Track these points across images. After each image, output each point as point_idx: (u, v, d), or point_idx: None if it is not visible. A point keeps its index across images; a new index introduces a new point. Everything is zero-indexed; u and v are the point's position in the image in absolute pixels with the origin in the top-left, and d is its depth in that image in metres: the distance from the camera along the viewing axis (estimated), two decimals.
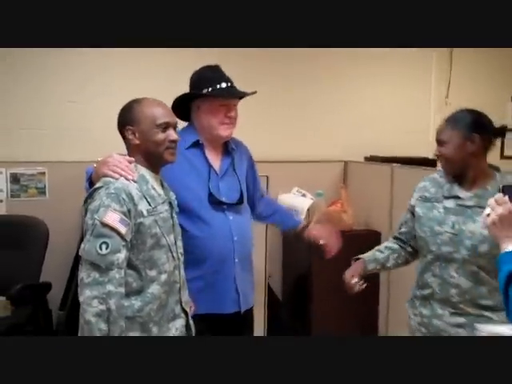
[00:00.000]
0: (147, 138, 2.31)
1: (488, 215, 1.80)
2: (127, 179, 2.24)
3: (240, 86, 4.45)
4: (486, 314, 2.34)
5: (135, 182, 2.26)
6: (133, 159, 2.31)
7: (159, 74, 4.36)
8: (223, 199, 2.71)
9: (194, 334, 2.45)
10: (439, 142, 2.42)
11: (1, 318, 3.55)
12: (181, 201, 2.53)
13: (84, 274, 2.16)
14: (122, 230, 2.17)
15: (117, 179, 2.22)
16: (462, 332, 2.36)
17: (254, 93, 2.82)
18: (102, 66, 4.29)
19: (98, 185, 2.26)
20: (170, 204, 2.40)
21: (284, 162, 4.56)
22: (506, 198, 1.78)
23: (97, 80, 4.27)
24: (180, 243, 2.46)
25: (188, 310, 2.46)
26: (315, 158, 4.81)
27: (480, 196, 2.34)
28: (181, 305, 2.41)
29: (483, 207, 2.09)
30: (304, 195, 4.62)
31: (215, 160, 2.78)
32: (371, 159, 4.71)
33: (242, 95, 2.79)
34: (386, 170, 4.18)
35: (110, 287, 2.14)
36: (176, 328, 2.37)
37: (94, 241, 2.16)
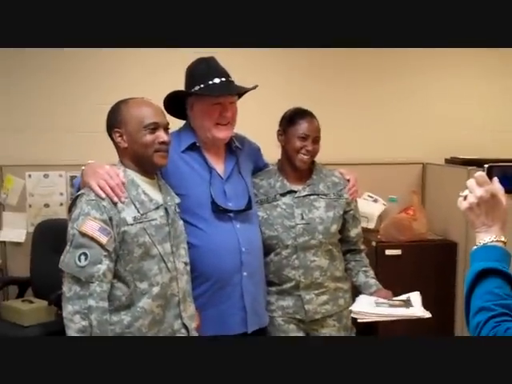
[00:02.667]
0: (135, 141, 2.16)
1: (465, 198, 1.45)
2: (113, 201, 2.08)
3: (307, 86, 4.31)
4: (339, 285, 2.67)
5: (122, 203, 2.10)
6: (124, 180, 2.14)
7: None
8: (230, 205, 2.45)
9: None
10: None
11: (44, 323, 3.54)
12: (182, 209, 2.34)
13: (65, 288, 2.06)
14: (102, 239, 2.04)
15: (102, 199, 2.07)
16: (328, 308, 2.62)
17: (253, 88, 2.50)
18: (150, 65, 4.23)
19: (81, 191, 2.14)
20: (166, 210, 2.22)
21: (355, 164, 4.23)
22: (486, 177, 1.43)
23: (142, 80, 4.19)
24: (183, 252, 2.28)
25: (191, 325, 2.27)
26: (390, 160, 4.46)
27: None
28: (181, 320, 2.23)
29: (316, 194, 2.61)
30: (376, 200, 4.31)
31: (218, 162, 2.50)
32: (451, 161, 4.27)
33: (236, 91, 2.47)
34: (462, 174, 3.75)
35: (90, 302, 2.02)
36: None
37: (73, 252, 2.05)
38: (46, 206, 4.27)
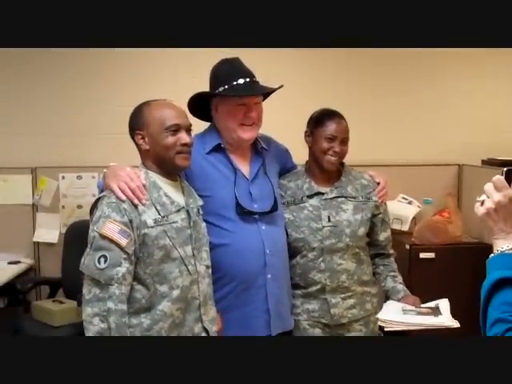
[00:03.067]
0: (157, 143, 2.15)
1: (482, 203, 1.38)
2: (133, 203, 2.07)
3: (337, 87, 4.25)
4: (366, 289, 2.61)
5: (143, 205, 2.09)
6: (144, 182, 2.13)
7: None
8: (255, 207, 2.41)
9: None
10: None
11: (74, 323, 3.55)
12: (205, 210, 2.32)
13: (85, 290, 2.05)
14: (122, 241, 2.02)
15: (122, 201, 2.06)
16: (355, 312, 2.57)
17: (278, 88, 2.46)
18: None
19: (102, 194, 2.13)
20: (188, 212, 2.19)
21: (389, 165, 4.17)
22: (504, 181, 1.35)
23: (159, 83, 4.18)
24: (205, 255, 2.25)
25: (212, 328, 2.24)
26: (425, 162, 4.36)
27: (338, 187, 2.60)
28: (202, 323, 2.20)
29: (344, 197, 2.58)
30: (410, 202, 4.22)
31: (243, 163, 2.47)
32: (488, 163, 4.15)
33: (261, 91, 2.42)
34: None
35: (109, 304, 2.01)
36: None
37: (93, 254, 2.04)
38: (79, 207, 4.30)
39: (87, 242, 2.08)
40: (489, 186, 1.37)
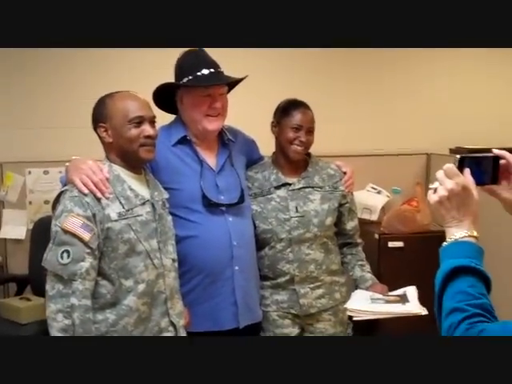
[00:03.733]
0: (120, 135, 2.12)
1: (435, 191, 1.36)
2: (96, 197, 2.04)
3: (308, 78, 4.24)
4: (335, 278, 2.63)
5: (106, 198, 2.06)
6: (107, 175, 2.10)
7: None
8: (222, 198, 2.40)
9: None
10: None
11: (42, 320, 3.49)
12: (172, 203, 2.29)
13: (48, 287, 2.04)
14: (85, 236, 2.00)
15: (85, 195, 2.02)
16: (324, 302, 2.58)
17: (242, 79, 2.44)
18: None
19: (64, 188, 2.09)
20: (153, 205, 2.17)
21: (358, 155, 4.17)
22: (456, 169, 1.34)
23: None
24: (171, 248, 2.24)
25: (179, 322, 2.22)
26: (394, 151, 4.37)
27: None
28: (169, 317, 2.18)
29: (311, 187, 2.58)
30: (379, 192, 4.23)
31: (210, 155, 2.46)
32: (456, 151, 4.16)
33: (225, 81, 2.41)
34: None
35: (73, 300, 1.98)
36: None
37: (56, 249, 2.03)
38: (46, 202, 4.21)
39: (50, 237, 2.06)
40: (441, 174, 1.35)
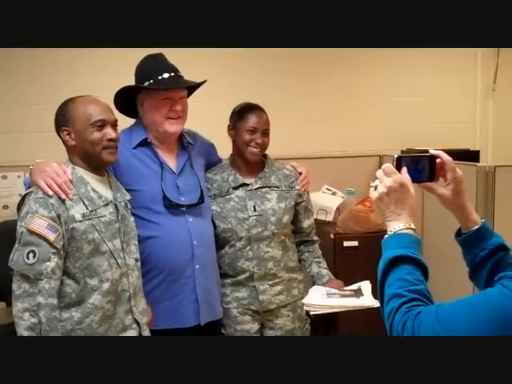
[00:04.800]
0: (83, 138, 2.17)
1: (375, 188, 1.47)
2: (61, 198, 2.09)
3: (262, 83, 4.33)
4: (293, 275, 2.72)
5: (70, 200, 2.12)
6: (71, 177, 2.15)
7: None
8: (182, 199, 2.48)
9: None
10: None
11: (2, 324, 3.50)
12: (134, 204, 2.36)
13: (15, 286, 2.07)
14: (51, 236, 2.05)
15: (50, 196, 2.08)
16: (283, 298, 2.67)
17: (202, 83, 2.53)
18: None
19: (29, 190, 2.14)
20: (116, 206, 2.23)
21: (313, 158, 4.26)
22: (393, 167, 1.46)
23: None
24: (134, 248, 2.30)
25: (142, 320, 2.29)
26: (348, 154, 4.48)
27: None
28: (132, 315, 2.25)
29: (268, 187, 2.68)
30: (334, 193, 4.33)
31: (170, 158, 2.53)
32: (407, 153, 4.33)
33: (185, 85, 2.49)
34: None
35: (39, 299, 2.03)
36: None
37: (22, 250, 2.06)
38: (5, 207, 4.21)
39: (15, 238, 2.10)
40: (380, 173, 1.46)
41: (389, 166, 1.46)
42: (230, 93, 4.00)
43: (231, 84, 4.28)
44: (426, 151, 1.57)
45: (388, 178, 1.44)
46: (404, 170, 1.47)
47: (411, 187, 1.45)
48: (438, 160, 1.55)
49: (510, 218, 2.87)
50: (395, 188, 1.43)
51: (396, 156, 1.50)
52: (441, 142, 4.23)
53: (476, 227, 1.55)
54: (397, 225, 1.43)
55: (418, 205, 1.48)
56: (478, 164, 3.32)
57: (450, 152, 1.57)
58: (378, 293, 1.40)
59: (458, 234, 1.59)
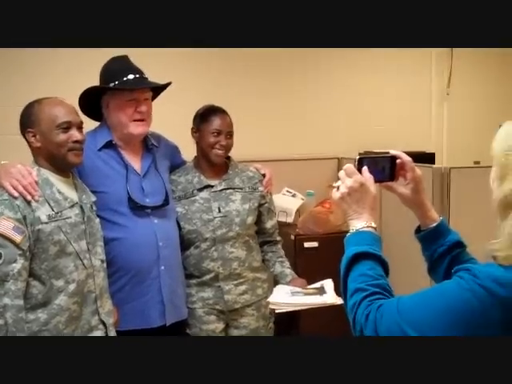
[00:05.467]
0: (48, 140, 2.18)
1: (337, 188, 1.53)
2: (26, 199, 2.10)
3: (224, 86, 4.37)
4: (257, 275, 2.77)
5: (36, 201, 2.12)
6: (36, 179, 2.16)
7: None
8: (147, 201, 2.50)
9: None
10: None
11: None
12: (99, 206, 2.37)
13: None
14: (17, 238, 2.05)
15: (15, 198, 2.08)
16: (247, 297, 2.73)
17: (167, 85, 2.58)
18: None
19: None
20: (82, 208, 2.24)
21: (273, 160, 4.31)
22: (354, 168, 1.51)
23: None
24: (100, 249, 2.31)
25: (109, 321, 2.30)
26: (307, 156, 4.55)
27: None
28: (99, 316, 2.26)
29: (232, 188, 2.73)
30: (294, 195, 4.40)
31: (134, 160, 2.56)
32: (367, 155, 4.42)
33: (150, 86, 2.53)
34: None
35: (5, 300, 2.03)
36: None
37: None
38: None
39: None
40: (342, 173, 1.52)
41: (350, 166, 1.52)
42: (191, 97, 4.02)
43: (194, 89, 4.31)
44: (386, 152, 1.64)
45: (349, 179, 1.50)
46: (364, 169, 1.52)
47: (372, 187, 1.50)
48: (398, 160, 1.61)
49: (464, 217, 2.97)
50: (356, 188, 1.49)
51: (358, 157, 1.55)
52: (398, 144, 4.34)
53: (434, 224, 1.62)
54: (358, 223, 1.48)
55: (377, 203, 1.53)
56: (433, 166, 3.43)
57: (406, 154, 1.64)
58: (341, 287, 1.45)
59: (418, 230, 1.66)
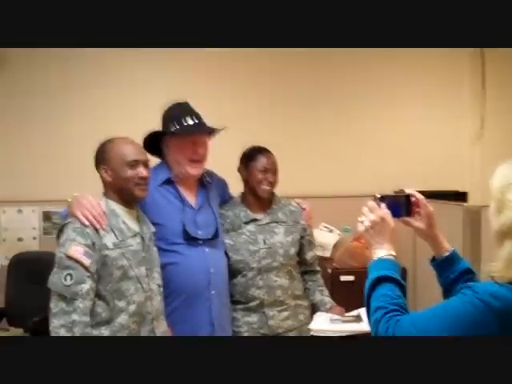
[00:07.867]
0: (118, 176, 2.43)
1: (362, 222, 1.77)
2: (95, 228, 2.34)
3: (264, 119, 4.60)
4: (299, 302, 2.97)
5: (103, 230, 2.36)
6: (104, 210, 2.40)
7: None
8: (199, 233, 2.74)
9: None
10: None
11: None
12: (157, 236, 2.62)
13: (52, 305, 2.28)
14: (86, 261, 2.28)
15: (86, 226, 2.33)
16: (290, 323, 2.91)
17: (222, 129, 2.81)
18: None
19: (67, 220, 2.39)
20: (142, 237, 2.49)
21: (311, 197, 4.51)
22: (376, 205, 1.76)
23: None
24: (157, 275, 2.54)
25: None
26: (344, 193, 4.75)
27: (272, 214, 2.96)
28: (154, 335, 2.48)
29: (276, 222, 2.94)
30: (331, 231, 4.60)
31: (190, 195, 2.81)
32: (399, 193, 4.59)
33: (208, 131, 2.78)
34: None
35: (74, 316, 2.24)
36: None
37: (60, 272, 2.28)
38: (20, 239, 4.46)
39: (54, 262, 2.33)
40: (365, 209, 1.78)
41: (371, 203, 1.77)
42: (238, 136, 4.27)
43: (242, 131, 4.54)
44: (403, 191, 1.90)
45: (371, 214, 1.75)
46: (383, 206, 1.77)
47: (390, 221, 1.75)
48: (412, 198, 1.87)
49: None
50: (378, 222, 1.74)
51: (379, 195, 1.81)
52: (430, 183, 4.52)
53: (447, 254, 1.86)
54: (380, 252, 1.72)
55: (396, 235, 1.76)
56: (464, 204, 3.58)
57: (439, 193, 1.86)
58: (366, 306, 1.66)
59: (433, 260, 1.90)
